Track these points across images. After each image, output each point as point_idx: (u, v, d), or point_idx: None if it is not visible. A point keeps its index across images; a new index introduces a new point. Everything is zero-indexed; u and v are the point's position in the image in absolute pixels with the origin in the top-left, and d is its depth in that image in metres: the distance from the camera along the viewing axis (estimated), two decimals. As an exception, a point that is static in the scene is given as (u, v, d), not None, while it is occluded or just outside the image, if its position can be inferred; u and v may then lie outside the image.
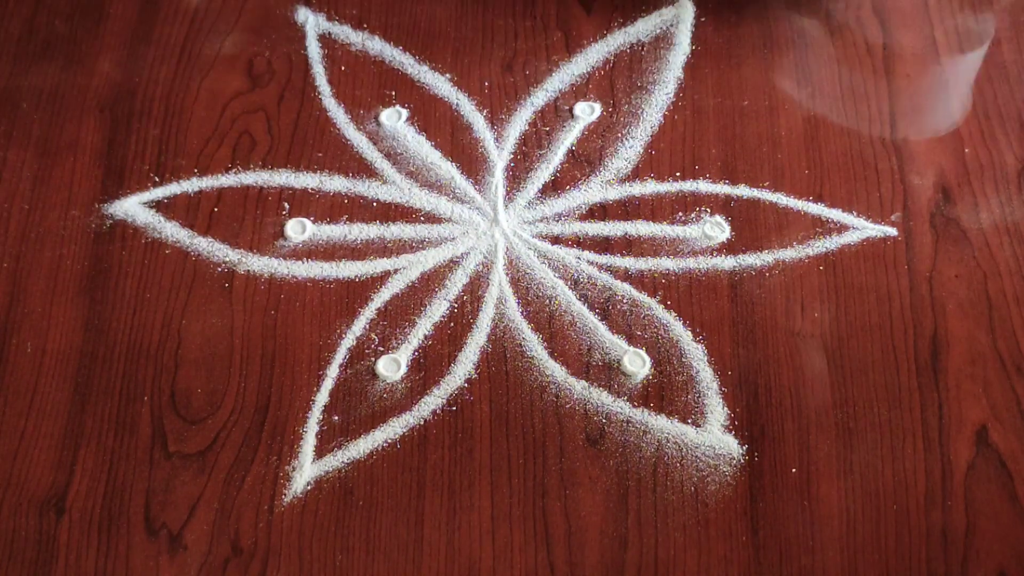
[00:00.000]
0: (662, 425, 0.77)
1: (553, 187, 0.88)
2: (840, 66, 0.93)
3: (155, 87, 0.93)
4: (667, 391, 0.79)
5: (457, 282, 0.84)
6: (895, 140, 0.89)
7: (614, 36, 0.95)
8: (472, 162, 0.89)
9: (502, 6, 0.97)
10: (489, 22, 0.96)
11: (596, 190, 0.88)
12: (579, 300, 0.82)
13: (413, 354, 0.80)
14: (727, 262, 0.84)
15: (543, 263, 0.84)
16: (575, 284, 0.83)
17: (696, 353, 0.80)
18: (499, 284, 0.83)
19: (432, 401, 0.78)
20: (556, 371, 0.79)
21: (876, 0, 0.97)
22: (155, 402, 0.78)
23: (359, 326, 0.81)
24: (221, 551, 0.73)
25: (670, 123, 0.91)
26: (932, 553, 0.73)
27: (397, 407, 0.78)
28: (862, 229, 0.85)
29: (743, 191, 0.87)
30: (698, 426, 0.77)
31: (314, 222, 0.86)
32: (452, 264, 0.84)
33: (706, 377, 0.79)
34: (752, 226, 0.85)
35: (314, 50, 0.95)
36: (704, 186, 0.87)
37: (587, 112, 0.91)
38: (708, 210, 0.86)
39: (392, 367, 0.79)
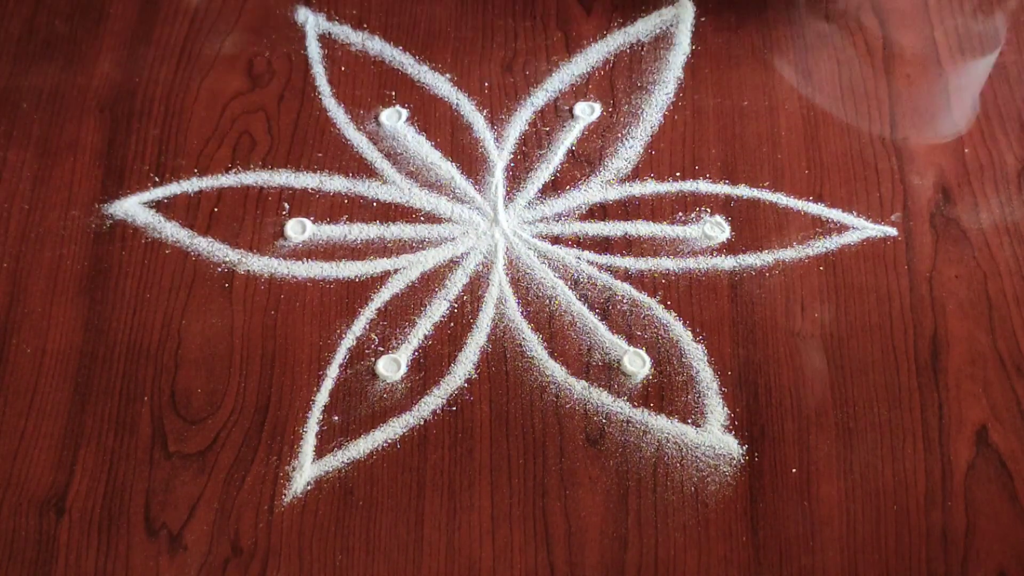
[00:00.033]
0: (662, 425, 0.77)
1: (553, 187, 0.88)
2: (840, 66, 0.93)
3: (155, 87, 0.93)
4: (667, 391, 0.79)
5: (457, 282, 0.84)
6: (895, 140, 0.89)
7: (614, 36, 0.95)
8: (472, 162, 0.89)
9: (502, 6, 0.97)
10: (489, 22, 0.96)
11: (596, 190, 0.88)
12: (579, 300, 0.82)
13: (413, 354, 0.80)
14: (727, 262, 0.84)
15: (543, 263, 0.84)
16: (575, 284, 0.83)
17: (696, 353, 0.80)
18: (499, 284, 0.83)
19: (432, 401, 0.78)
20: (556, 371, 0.79)
21: (876, 0, 0.97)
22: (155, 402, 0.78)
23: (359, 326, 0.81)
24: (221, 551, 0.73)
25: (670, 123, 0.91)
26: (932, 553, 0.73)
27: (397, 407, 0.78)
28: (862, 229, 0.85)
29: (743, 191, 0.87)
30: (698, 426, 0.77)
31: (314, 222, 0.86)
32: (452, 264, 0.84)
33: (706, 377, 0.79)
34: (752, 226, 0.85)
35: (314, 50, 0.95)
36: (704, 186, 0.87)
37: (587, 112, 0.91)
38: (708, 210, 0.86)
39: (392, 367, 0.79)
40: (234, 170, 0.89)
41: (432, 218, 0.87)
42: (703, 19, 0.96)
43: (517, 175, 0.89)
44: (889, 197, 0.87)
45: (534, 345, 0.80)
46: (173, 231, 0.86)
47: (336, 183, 0.88)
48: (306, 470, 0.76)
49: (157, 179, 0.88)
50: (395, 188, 0.88)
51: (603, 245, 0.85)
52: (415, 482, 0.75)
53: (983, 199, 0.86)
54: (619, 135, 0.90)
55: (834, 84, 0.92)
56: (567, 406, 0.78)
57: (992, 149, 0.89)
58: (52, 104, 0.92)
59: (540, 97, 0.92)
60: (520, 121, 0.91)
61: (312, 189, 0.88)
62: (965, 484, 0.75)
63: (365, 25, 0.96)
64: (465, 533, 0.74)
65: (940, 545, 0.73)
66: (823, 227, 0.85)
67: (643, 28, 0.96)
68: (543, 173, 0.89)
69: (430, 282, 0.84)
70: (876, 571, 0.72)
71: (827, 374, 0.79)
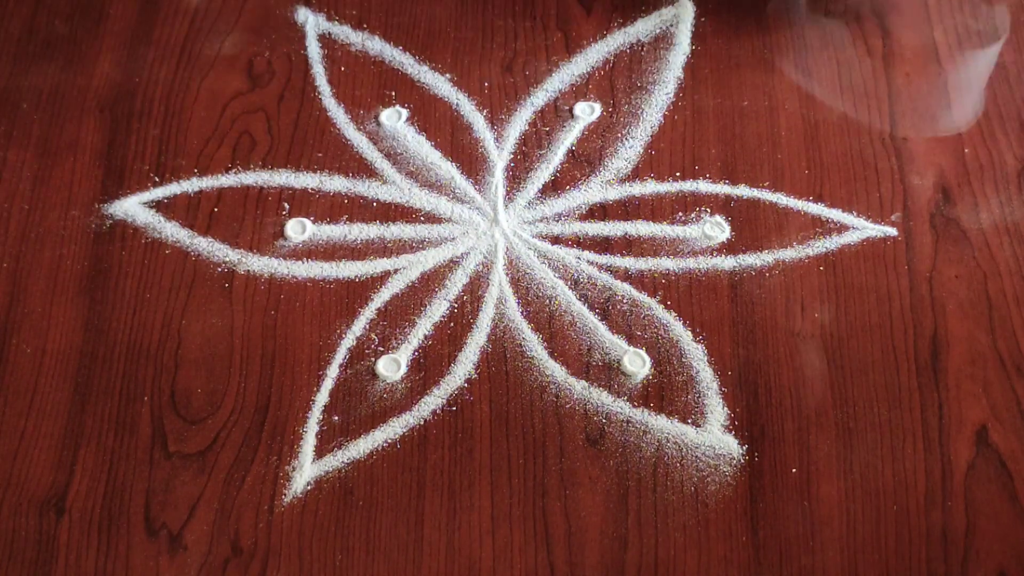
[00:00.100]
0: (662, 425, 0.77)
1: (553, 187, 0.88)
2: (840, 66, 0.93)
3: (155, 87, 0.93)
4: (667, 391, 0.79)
5: (457, 282, 0.84)
6: (895, 140, 0.89)
7: (614, 36, 0.95)
8: (472, 162, 0.89)
9: (502, 6, 0.97)
10: (489, 22, 0.96)
11: (596, 190, 0.88)
12: (579, 300, 0.82)
13: (413, 354, 0.80)
14: (727, 262, 0.84)
15: (543, 263, 0.84)
16: (575, 284, 0.83)
17: (696, 353, 0.80)
18: (499, 284, 0.83)
19: (432, 401, 0.78)
20: (556, 371, 0.79)
21: (876, 0, 0.97)
22: (155, 402, 0.78)
23: (359, 326, 0.81)
24: (221, 551, 0.73)
25: (670, 123, 0.91)
26: (932, 553, 0.73)
27: (397, 407, 0.78)
28: (862, 229, 0.85)
29: (743, 191, 0.87)
30: (698, 426, 0.77)
31: (314, 222, 0.86)
32: (452, 264, 0.84)
33: (706, 377, 0.79)
34: (752, 226, 0.85)
35: (314, 50, 0.95)
36: (704, 186, 0.87)
37: (587, 112, 0.91)
38: (708, 210, 0.86)
39: (392, 367, 0.79)
40: (234, 170, 0.89)
41: (432, 218, 0.87)
42: (703, 19, 0.96)
43: (517, 175, 0.89)
44: (889, 197, 0.87)
45: (534, 345, 0.80)
46: (173, 231, 0.86)
47: (336, 183, 0.88)
48: (306, 470, 0.76)
49: (157, 179, 0.88)
50: (395, 188, 0.88)
51: (603, 245, 0.85)
52: (415, 482, 0.75)
53: (983, 199, 0.86)
54: (619, 135, 0.90)
55: (834, 84, 0.92)
56: (567, 406, 0.78)
57: (992, 149, 0.89)
58: (52, 104, 0.92)
59: (540, 97, 0.92)
60: (520, 121, 0.91)
61: (312, 189, 0.88)
62: (965, 484, 0.75)
63: (365, 25, 0.96)
64: (465, 533, 0.74)
65: (940, 545, 0.73)
66: (823, 227, 0.85)
67: (643, 28, 0.96)
68: (543, 173, 0.89)
69: (430, 282, 0.84)
70: (876, 571, 0.72)
71: (827, 374, 0.79)
